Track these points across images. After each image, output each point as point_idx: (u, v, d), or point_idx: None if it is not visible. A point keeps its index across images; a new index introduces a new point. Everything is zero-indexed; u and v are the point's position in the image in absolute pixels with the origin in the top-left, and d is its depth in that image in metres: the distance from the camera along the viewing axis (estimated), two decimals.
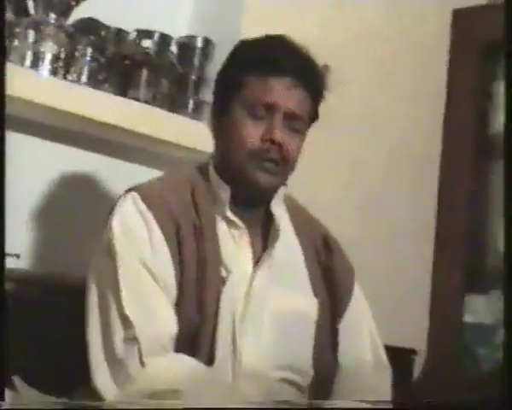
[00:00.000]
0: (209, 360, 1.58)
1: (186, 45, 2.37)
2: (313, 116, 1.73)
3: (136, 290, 1.56)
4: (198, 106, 2.37)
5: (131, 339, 1.53)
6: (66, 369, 1.68)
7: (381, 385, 1.76)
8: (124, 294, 1.54)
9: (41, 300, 1.88)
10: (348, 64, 2.65)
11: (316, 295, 1.72)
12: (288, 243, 1.74)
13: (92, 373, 1.55)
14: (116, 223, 1.60)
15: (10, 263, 2.00)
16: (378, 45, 2.75)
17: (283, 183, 1.72)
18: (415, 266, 2.78)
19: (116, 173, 2.25)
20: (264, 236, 1.71)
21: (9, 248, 1.99)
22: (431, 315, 2.77)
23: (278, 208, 1.72)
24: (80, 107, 2.06)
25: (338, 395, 1.70)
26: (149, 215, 1.60)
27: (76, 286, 1.70)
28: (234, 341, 1.60)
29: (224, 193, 1.66)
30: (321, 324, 1.71)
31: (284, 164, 1.66)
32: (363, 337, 1.79)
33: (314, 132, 1.77)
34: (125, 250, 1.58)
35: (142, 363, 1.52)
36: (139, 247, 1.58)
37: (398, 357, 1.88)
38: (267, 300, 1.65)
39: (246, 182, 1.65)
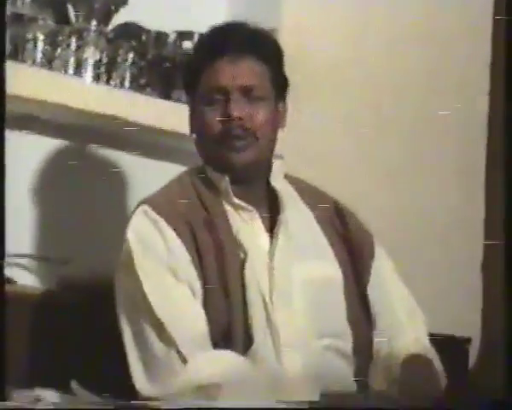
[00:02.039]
0: (246, 345, 1.59)
1: None
2: (279, 81, 1.73)
3: (162, 294, 1.58)
4: None
5: (168, 339, 1.55)
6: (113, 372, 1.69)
7: (419, 335, 1.75)
8: (151, 300, 1.57)
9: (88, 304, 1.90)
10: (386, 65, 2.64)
11: (336, 257, 1.72)
12: (300, 214, 1.74)
13: (132, 376, 1.57)
14: (131, 237, 1.63)
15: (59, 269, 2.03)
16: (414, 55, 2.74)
17: (266, 155, 1.71)
18: (466, 252, 2.75)
19: (162, 175, 2.26)
20: (273, 212, 1.71)
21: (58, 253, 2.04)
22: (484, 303, 2.74)
23: (278, 183, 1.72)
24: (124, 111, 2.07)
25: (378, 355, 1.69)
26: (161, 221, 1.62)
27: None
28: (268, 318, 1.61)
29: (224, 182, 1.68)
30: (349, 286, 1.71)
31: (253, 136, 1.67)
32: (393, 294, 1.77)
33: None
34: (145, 260, 1.60)
35: (183, 360, 1.53)
36: (157, 253, 1.61)
37: (452, 346, 1.85)
38: (291, 271, 1.66)
39: (224, 167, 1.67)
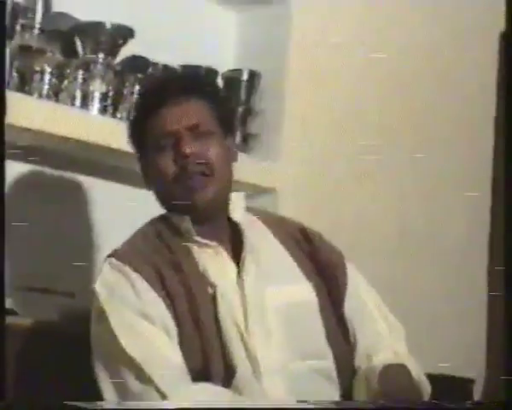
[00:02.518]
0: (228, 378, 1.59)
1: (232, 79, 2.39)
2: (223, 116, 1.75)
3: (135, 337, 1.59)
4: (245, 138, 2.38)
5: (145, 378, 1.55)
6: None
7: (398, 347, 1.75)
8: (124, 343, 1.57)
9: None
10: (399, 90, 2.64)
11: (308, 278, 1.73)
12: (265, 241, 1.75)
13: None
14: (98, 287, 1.65)
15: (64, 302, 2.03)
16: (423, 71, 2.74)
17: (224, 189, 1.73)
18: (469, 293, 2.75)
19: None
20: (237, 244, 1.72)
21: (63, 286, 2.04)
22: (488, 342, 2.72)
23: (238, 214, 1.74)
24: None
25: (359, 370, 1.69)
26: (127, 269, 1.64)
27: None
28: (246, 347, 1.61)
29: (184, 222, 1.69)
30: (324, 306, 1.71)
31: (210, 171, 1.69)
32: (370, 309, 1.78)
33: None
34: (115, 307, 1.61)
35: (162, 397, 1.53)
36: (126, 299, 1.62)
37: (456, 387, 1.84)
38: (263, 297, 1.66)
39: (186, 208, 1.68)
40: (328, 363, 1.67)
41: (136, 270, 1.63)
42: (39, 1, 2.06)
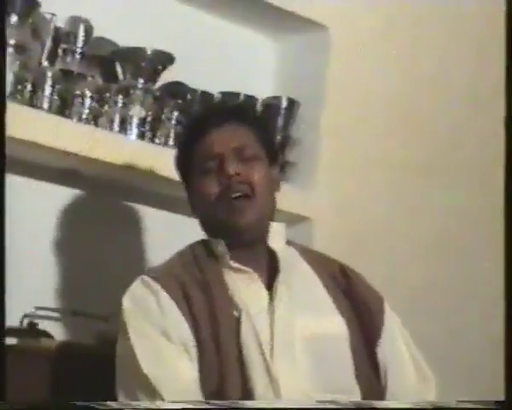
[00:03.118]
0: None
1: (271, 106, 2.39)
2: (268, 145, 1.76)
3: (152, 353, 1.60)
4: (283, 166, 2.37)
5: (155, 397, 1.55)
6: None
7: (428, 397, 1.72)
8: (140, 357, 1.58)
9: None
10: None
11: (341, 313, 1.71)
12: (301, 272, 1.74)
13: None
14: (125, 300, 1.66)
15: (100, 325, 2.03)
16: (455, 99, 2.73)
17: (265, 216, 1.72)
18: (486, 315, 2.70)
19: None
20: (273, 273, 1.71)
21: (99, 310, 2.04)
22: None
23: (277, 244, 1.73)
24: (167, 169, 2.07)
25: None
26: (156, 285, 1.64)
27: None
28: (268, 373, 1.59)
29: (220, 246, 1.68)
30: (355, 344, 1.69)
31: (252, 193, 1.68)
32: (404, 356, 1.75)
33: None
34: (137, 321, 1.62)
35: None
36: (149, 313, 1.63)
37: None
38: (293, 326, 1.65)
39: (227, 229, 1.68)
40: (355, 398, 1.64)
41: (163, 286, 1.63)
42: (81, 26, 2.09)
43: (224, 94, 2.29)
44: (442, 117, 2.73)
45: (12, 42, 1.89)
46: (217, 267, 1.69)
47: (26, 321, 1.97)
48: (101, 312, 2.02)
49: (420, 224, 2.66)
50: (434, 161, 2.70)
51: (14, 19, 1.91)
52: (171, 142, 2.16)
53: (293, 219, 2.30)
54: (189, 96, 2.24)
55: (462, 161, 2.76)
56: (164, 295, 1.63)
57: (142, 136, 2.11)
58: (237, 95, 2.30)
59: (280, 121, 2.38)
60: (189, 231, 2.23)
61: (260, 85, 2.45)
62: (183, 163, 1.77)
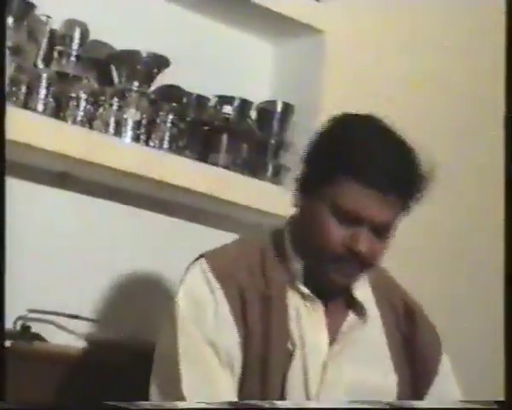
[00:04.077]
0: None
1: (266, 110, 2.39)
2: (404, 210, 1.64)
3: (195, 369, 1.52)
4: (277, 170, 2.37)
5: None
6: None
7: None
8: (183, 373, 1.51)
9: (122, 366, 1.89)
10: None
11: (396, 371, 1.65)
12: (369, 321, 1.67)
13: None
14: (182, 293, 1.58)
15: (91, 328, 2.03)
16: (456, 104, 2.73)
17: (356, 282, 1.65)
18: (485, 314, 2.70)
19: (196, 238, 2.26)
20: (345, 311, 1.65)
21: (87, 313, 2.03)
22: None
23: (361, 293, 1.66)
24: (161, 173, 2.08)
25: None
26: (218, 287, 1.56)
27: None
28: None
29: (297, 265, 1.61)
30: (401, 396, 1.63)
31: (364, 269, 1.61)
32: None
33: None
34: (189, 323, 1.55)
35: None
36: (204, 320, 1.55)
37: None
38: (343, 377, 1.59)
39: (320, 279, 1.60)
40: None
41: (224, 291, 1.55)
42: (77, 28, 2.08)
43: (219, 97, 2.30)
44: (441, 121, 2.73)
45: (8, 44, 1.89)
46: (282, 279, 1.60)
47: (19, 323, 1.96)
48: (92, 315, 2.02)
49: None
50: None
51: (9, 21, 1.91)
52: (165, 145, 2.16)
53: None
54: (184, 100, 2.23)
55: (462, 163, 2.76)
56: (224, 306, 1.55)
57: (137, 139, 2.11)
58: (232, 99, 2.30)
59: (275, 126, 2.38)
60: (186, 234, 2.26)
61: (256, 90, 2.45)
62: (320, 169, 1.59)
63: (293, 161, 2.38)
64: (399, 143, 1.61)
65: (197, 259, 1.62)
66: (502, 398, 2.47)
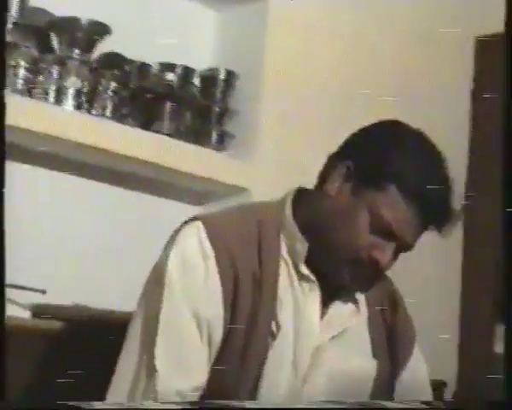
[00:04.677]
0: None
1: (209, 78, 2.38)
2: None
3: (174, 338, 1.49)
4: (221, 137, 2.37)
5: (152, 392, 1.47)
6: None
7: None
8: (159, 340, 1.47)
9: (70, 334, 1.88)
10: (371, 93, 2.64)
11: (375, 356, 1.64)
12: (354, 305, 1.64)
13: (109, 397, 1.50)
14: (174, 254, 1.50)
15: (36, 298, 2.01)
16: (399, 74, 2.75)
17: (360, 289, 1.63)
18: (443, 296, 2.75)
19: (139, 206, 2.25)
20: (334, 292, 1.60)
21: (35, 283, 2.02)
22: (460, 346, 2.73)
23: None
24: (104, 141, 2.06)
25: None
26: (212, 255, 1.49)
27: (106, 320, 1.69)
28: (293, 393, 1.53)
29: (301, 247, 1.55)
30: (378, 381, 1.63)
31: (378, 277, 1.57)
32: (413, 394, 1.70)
33: None
34: (176, 288, 1.49)
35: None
36: (192, 288, 1.49)
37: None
38: (325, 359, 1.57)
39: (328, 273, 1.56)
40: None
41: (219, 265, 1.49)
42: None
43: (161, 65, 2.28)
44: (387, 87, 2.75)
45: None
46: (279, 257, 1.54)
47: None
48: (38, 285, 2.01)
49: None
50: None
51: None
52: (108, 113, 2.14)
53: (232, 191, 2.30)
54: (126, 67, 2.22)
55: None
56: (214, 272, 1.49)
57: (78, 107, 2.09)
58: (175, 66, 2.29)
59: (218, 93, 2.38)
60: (130, 203, 2.25)
61: (199, 56, 2.44)
62: (375, 168, 1.53)
63: (239, 127, 2.41)
64: (445, 172, 1.58)
65: (191, 220, 1.54)
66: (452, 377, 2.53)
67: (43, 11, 2.12)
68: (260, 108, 2.42)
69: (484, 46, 2.91)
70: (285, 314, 1.54)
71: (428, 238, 2.72)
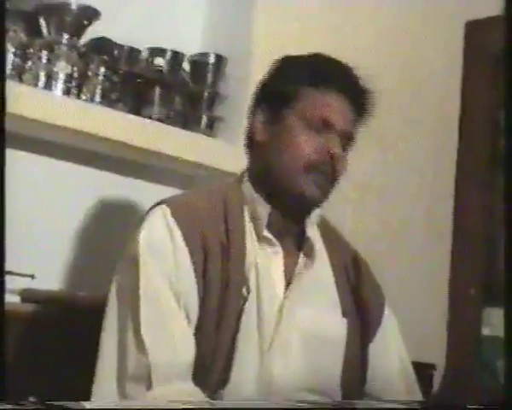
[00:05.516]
0: (223, 381, 1.55)
1: (198, 62, 2.38)
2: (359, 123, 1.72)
3: (155, 311, 1.53)
4: (211, 122, 2.37)
5: (144, 365, 1.50)
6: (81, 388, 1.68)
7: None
8: (142, 314, 1.51)
9: (58, 319, 1.88)
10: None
11: (345, 314, 1.69)
12: (320, 265, 1.70)
13: (96, 384, 1.53)
14: (143, 236, 1.57)
15: (25, 283, 2.01)
16: (390, 56, 2.75)
17: (325, 199, 1.69)
18: (431, 279, 2.77)
19: (130, 192, 2.25)
20: (297, 253, 1.68)
21: (24, 268, 2.02)
22: (449, 329, 2.75)
23: (312, 229, 1.70)
24: (94, 126, 2.06)
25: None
26: (178, 233, 1.56)
27: (93, 305, 1.70)
28: (261, 364, 1.57)
29: (264, 211, 1.63)
30: (350, 344, 1.68)
31: (333, 179, 1.65)
32: (393, 361, 1.76)
33: None
34: (149, 266, 1.55)
35: (148, 387, 1.49)
36: (164, 264, 1.55)
37: (417, 372, 1.86)
38: (296, 320, 1.62)
39: (291, 193, 1.62)
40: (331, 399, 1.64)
41: (184, 235, 1.56)
42: None
43: (151, 50, 2.28)
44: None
45: None
46: (243, 223, 1.62)
47: None
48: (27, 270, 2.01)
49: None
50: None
51: None
52: (97, 98, 2.14)
53: (221, 175, 2.30)
54: (115, 52, 2.21)
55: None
56: (184, 250, 1.55)
57: (67, 92, 2.08)
58: (164, 51, 2.29)
59: (208, 77, 2.38)
60: (121, 189, 2.25)
61: (188, 41, 2.44)
62: (281, 93, 1.65)
63: (229, 111, 2.40)
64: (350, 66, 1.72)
65: (157, 204, 1.62)
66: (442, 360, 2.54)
67: None
68: (250, 93, 2.41)
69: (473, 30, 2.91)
70: (252, 278, 1.60)
71: (418, 221, 2.75)
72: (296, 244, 1.69)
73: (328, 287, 1.70)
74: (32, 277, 2.00)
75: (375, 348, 1.72)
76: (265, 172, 1.65)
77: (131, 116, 2.17)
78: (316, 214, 1.70)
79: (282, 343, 1.60)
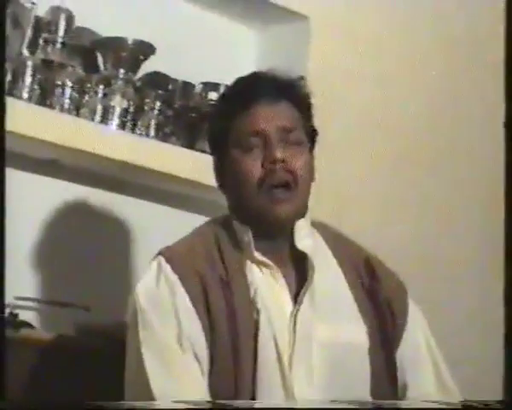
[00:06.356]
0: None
1: None
2: (310, 130, 1.68)
3: (162, 363, 1.52)
4: None
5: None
6: None
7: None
8: (149, 369, 1.51)
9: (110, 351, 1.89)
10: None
11: (364, 320, 1.64)
12: (327, 271, 1.67)
13: None
14: (140, 291, 1.59)
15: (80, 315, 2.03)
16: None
17: (303, 210, 1.65)
18: (484, 310, 2.72)
19: (184, 226, 2.26)
20: (298, 270, 1.65)
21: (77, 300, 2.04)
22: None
23: (305, 241, 1.64)
24: (149, 160, 2.08)
25: None
26: (175, 278, 1.57)
27: None
28: (284, 382, 1.55)
29: (246, 235, 1.62)
30: (374, 350, 1.63)
31: (295, 184, 1.60)
32: (425, 366, 1.68)
33: None
34: (150, 321, 1.55)
35: None
36: (164, 315, 1.55)
37: None
38: (313, 334, 1.59)
39: (264, 219, 1.60)
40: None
41: (182, 280, 1.56)
42: (62, 16, 2.08)
43: (205, 84, 2.30)
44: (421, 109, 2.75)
45: None
46: (239, 257, 1.61)
47: (7, 311, 1.96)
48: (82, 302, 2.02)
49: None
50: (418, 148, 2.71)
51: None
52: (152, 132, 2.16)
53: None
54: (170, 87, 2.24)
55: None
56: (181, 292, 1.55)
57: (123, 126, 2.11)
58: (218, 85, 2.30)
59: None
60: (174, 222, 2.26)
61: (241, 75, 2.45)
62: (218, 133, 1.67)
63: None
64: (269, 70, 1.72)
65: (155, 256, 1.63)
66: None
67: (88, 31, 2.15)
68: None
69: None
70: (259, 303, 1.58)
71: (472, 271, 2.70)
72: (292, 260, 1.65)
73: (342, 295, 1.66)
74: (88, 309, 2.01)
75: (403, 354, 1.66)
76: (236, 208, 1.66)
77: (185, 150, 2.18)
78: (302, 226, 1.64)
79: (302, 360, 1.57)
